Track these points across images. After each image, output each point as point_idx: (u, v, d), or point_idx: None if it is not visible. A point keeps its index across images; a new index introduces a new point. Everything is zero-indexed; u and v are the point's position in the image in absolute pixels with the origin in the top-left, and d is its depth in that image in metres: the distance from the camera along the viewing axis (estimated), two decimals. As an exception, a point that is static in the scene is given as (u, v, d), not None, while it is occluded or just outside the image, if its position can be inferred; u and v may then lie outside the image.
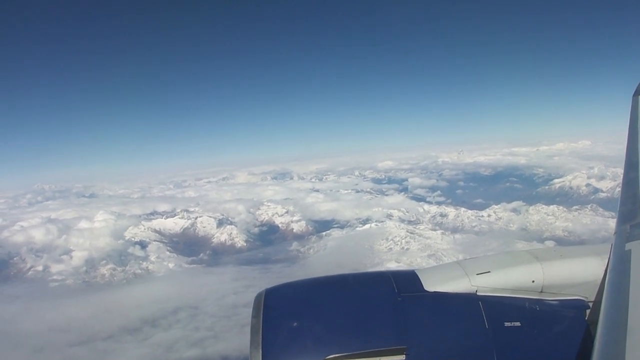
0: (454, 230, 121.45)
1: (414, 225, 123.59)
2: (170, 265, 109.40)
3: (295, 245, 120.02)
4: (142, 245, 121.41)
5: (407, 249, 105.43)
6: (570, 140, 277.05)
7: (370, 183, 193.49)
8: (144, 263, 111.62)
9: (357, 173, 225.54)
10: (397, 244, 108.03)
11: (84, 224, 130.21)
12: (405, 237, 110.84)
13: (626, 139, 5.92)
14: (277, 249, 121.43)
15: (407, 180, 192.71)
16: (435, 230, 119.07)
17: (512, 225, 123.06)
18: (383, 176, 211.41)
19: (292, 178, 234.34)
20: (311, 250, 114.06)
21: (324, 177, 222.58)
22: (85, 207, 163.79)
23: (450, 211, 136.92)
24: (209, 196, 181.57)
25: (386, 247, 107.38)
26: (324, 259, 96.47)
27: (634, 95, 7.41)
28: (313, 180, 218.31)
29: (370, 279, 3.67)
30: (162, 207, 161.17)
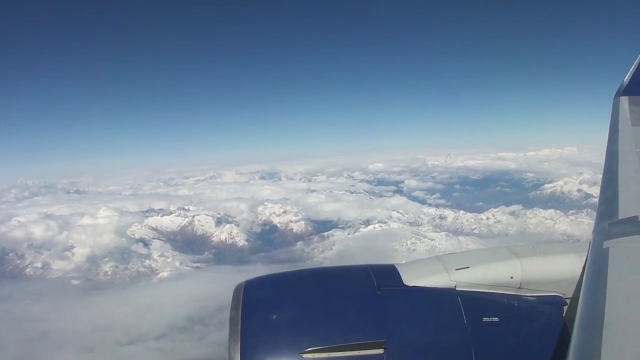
0: (455, 232, 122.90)
1: (416, 227, 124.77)
2: (177, 263, 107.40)
3: (299, 245, 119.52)
4: (144, 243, 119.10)
5: (414, 249, 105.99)
6: (556, 146, 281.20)
7: (365, 184, 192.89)
8: (147, 261, 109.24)
9: (346, 174, 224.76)
10: (403, 245, 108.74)
11: (86, 220, 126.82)
12: (411, 238, 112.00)
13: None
14: (281, 249, 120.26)
15: (402, 182, 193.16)
16: (437, 232, 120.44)
17: (511, 228, 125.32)
18: (373, 178, 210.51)
19: (280, 178, 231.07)
20: (316, 251, 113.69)
21: (313, 178, 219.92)
22: (77, 204, 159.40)
23: (449, 214, 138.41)
24: (204, 194, 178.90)
25: (392, 248, 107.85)
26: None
27: (614, 97, 7.99)
28: (302, 180, 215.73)
29: (350, 273, 3.67)
30: (158, 204, 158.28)
